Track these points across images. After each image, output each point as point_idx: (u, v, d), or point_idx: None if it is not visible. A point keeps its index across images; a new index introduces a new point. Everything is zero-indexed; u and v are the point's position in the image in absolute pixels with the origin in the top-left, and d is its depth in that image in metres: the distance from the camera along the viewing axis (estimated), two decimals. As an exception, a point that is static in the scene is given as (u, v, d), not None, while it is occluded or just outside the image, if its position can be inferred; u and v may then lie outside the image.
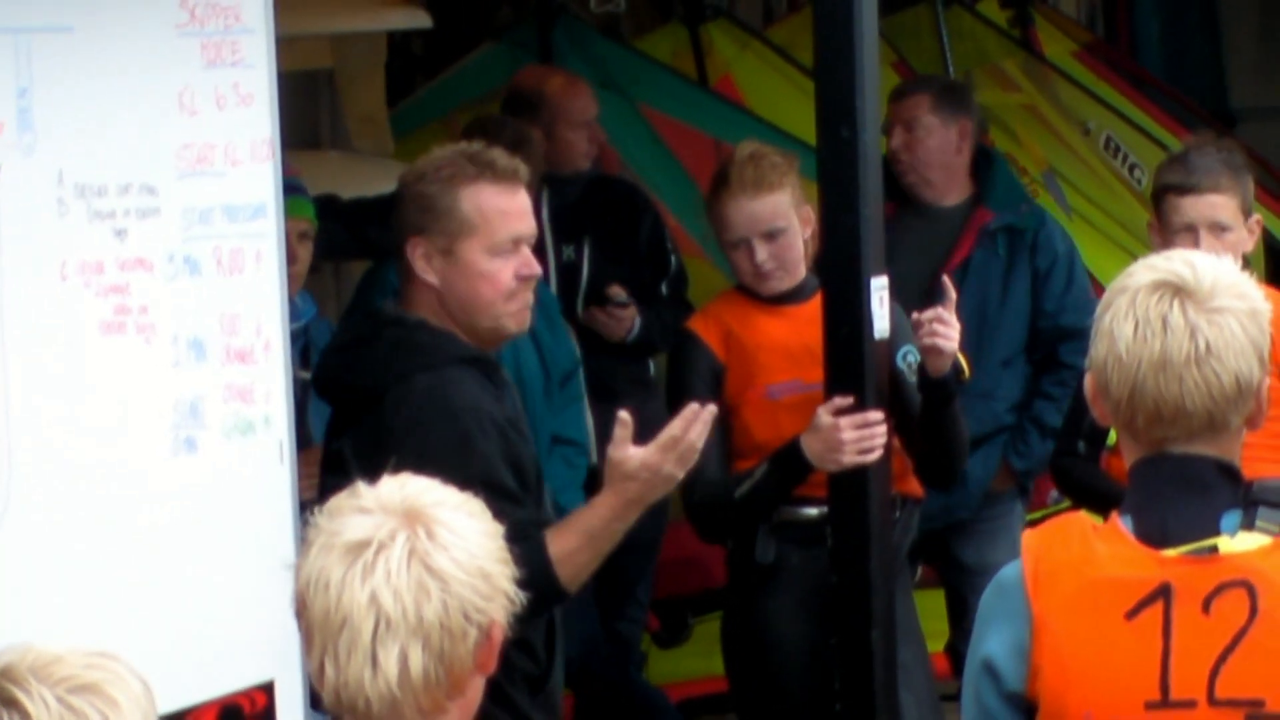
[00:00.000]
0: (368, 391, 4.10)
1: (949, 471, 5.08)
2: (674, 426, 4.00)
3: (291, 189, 4.64)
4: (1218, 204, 4.88)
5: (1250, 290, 2.80)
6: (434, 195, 4.14)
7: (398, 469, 3.88)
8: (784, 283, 5.03)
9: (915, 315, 4.87)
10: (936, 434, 4.95)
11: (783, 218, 4.97)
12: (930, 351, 4.84)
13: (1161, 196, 4.96)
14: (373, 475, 3.85)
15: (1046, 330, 5.98)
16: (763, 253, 5.00)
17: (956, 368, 4.90)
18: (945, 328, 4.82)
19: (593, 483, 5.92)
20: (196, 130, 3.99)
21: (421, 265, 4.13)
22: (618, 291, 6.30)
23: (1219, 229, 4.89)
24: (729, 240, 5.04)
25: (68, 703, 2.65)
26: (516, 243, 4.13)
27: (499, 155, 4.16)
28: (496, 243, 4.10)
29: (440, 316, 4.13)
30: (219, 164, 4.03)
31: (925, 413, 4.91)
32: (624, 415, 4.04)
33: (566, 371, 5.88)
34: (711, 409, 4.05)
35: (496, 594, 2.46)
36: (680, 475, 4.03)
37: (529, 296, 4.15)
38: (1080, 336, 5.13)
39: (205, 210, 4.00)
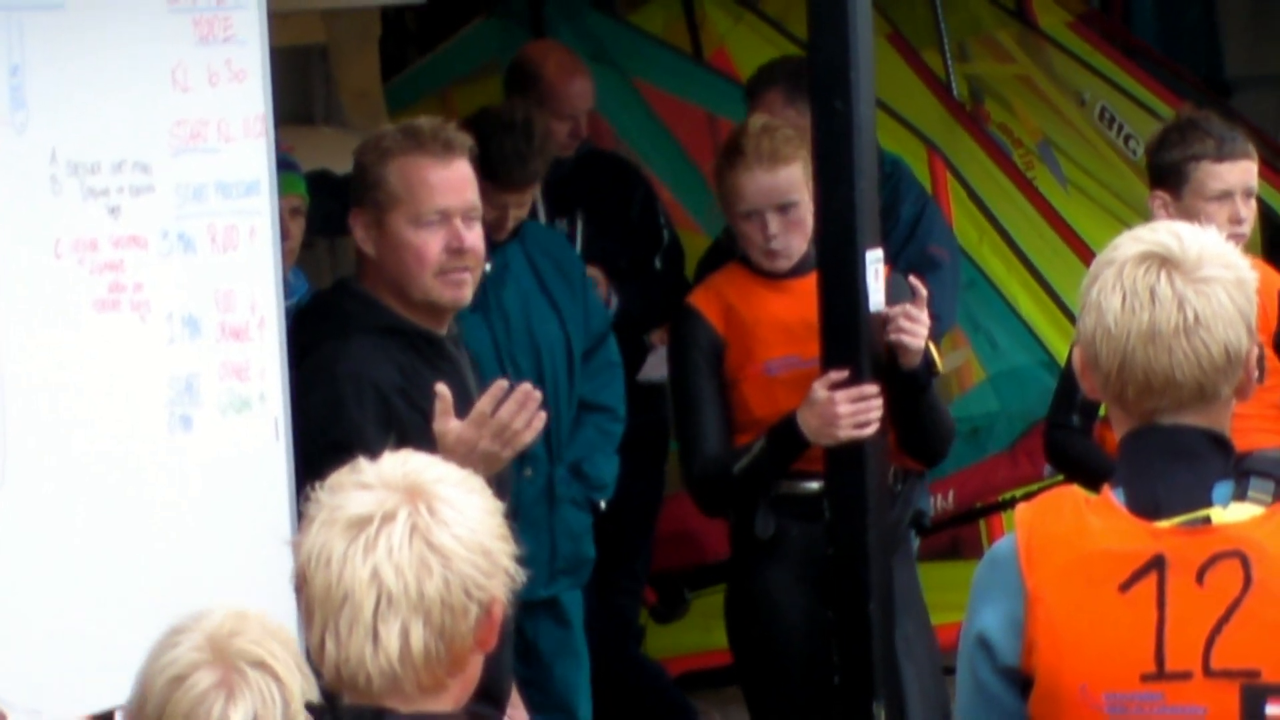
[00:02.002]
0: (296, 356, 4.16)
1: (930, 454, 5.10)
2: (482, 402, 3.98)
3: (283, 165, 4.65)
4: (1249, 169, 5.03)
5: (1236, 260, 2.80)
6: (368, 167, 4.21)
7: (298, 431, 3.97)
8: (792, 259, 5.02)
9: (884, 310, 4.87)
10: (912, 422, 4.97)
11: (796, 191, 4.97)
12: (897, 347, 4.84)
13: (1188, 166, 5.01)
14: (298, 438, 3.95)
15: None
16: (775, 224, 4.99)
17: (928, 360, 4.90)
18: (912, 324, 4.83)
19: (624, 450, 5.95)
20: (189, 107, 3.99)
21: (361, 236, 4.22)
22: (586, 274, 6.29)
23: (1248, 193, 5.02)
24: (741, 212, 5.03)
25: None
26: (445, 215, 4.15)
27: (433, 128, 4.19)
28: (421, 214, 4.15)
29: (383, 287, 4.18)
30: (212, 140, 4.03)
31: (900, 402, 4.92)
32: (440, 388, 4.02)
33: (596, 335, 5.87)
34: (527, 388, 4.00)
35: (497, 571, 2.47)
36: (506, 455, 3.98)
37: (467, 272, 4.17)
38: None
39: (199, 187, 4.01)
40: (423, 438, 4.00)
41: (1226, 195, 4.99)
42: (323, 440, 3.97)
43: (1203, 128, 5.05)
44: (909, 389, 4.90)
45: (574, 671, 5.81)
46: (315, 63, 7.35)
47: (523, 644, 5.66)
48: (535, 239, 5.71)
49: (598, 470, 5.81)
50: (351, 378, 4.10)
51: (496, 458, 3.97)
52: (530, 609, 5.62)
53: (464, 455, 3.92)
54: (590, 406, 5.81)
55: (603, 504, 5.86)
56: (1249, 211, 5.03)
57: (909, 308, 4.85)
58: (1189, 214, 4.87)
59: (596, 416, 5.82)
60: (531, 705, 5.72)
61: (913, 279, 4.97)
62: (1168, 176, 5.06)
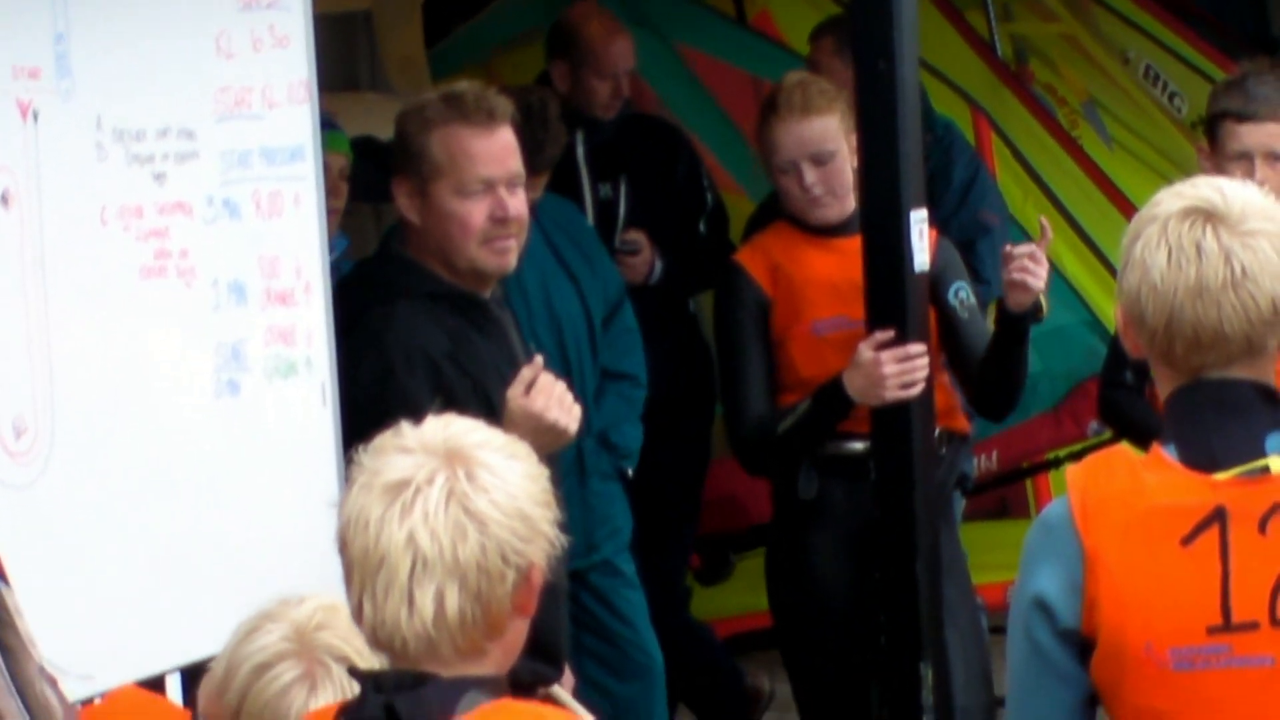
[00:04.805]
0: (342, 325, 4.15)
1: (1005, 405, 5.09)
2: (526, 371, 3.95)
3: (325, 125, 4.63)
4: (1275, 133, 4.89)
5: (1278, 213, 2.77)
6: (411, 136, 4.21)
7: (344, 400, 3.96)
8: (833, 210, 4.99)
9: (1008, 248, 4.87)
10: (1000, 367, 4.94)
11: (831, 140, 4.94)
12: (1016, 287, 4.83)
13: (1217, 122, 4.94)
14: (344, 413, 3.93)
15: None
16: (811, 175, 4.97)
17: (1035, 305, 4.88)
18: (1036, 265, 4.82)
19: (669, 415, 5.95)
20: (234, 73, 3.98)
21: (405, 205, 4.21)
22: (630, 239, 6.28)
23: (1274, 158, 4.89)
24: (778, 164, 5.00)
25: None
26: (489, 184, 4.14)
27: (475, 96, 4.18)
28: (464, 184, 4.14)
29: (428, 253, 4.18)
30: (256, 107, 4.02)
31: (995, 346, 4.90)
32: (525, 370, 3.99)
33: (612, 304, 5.87)
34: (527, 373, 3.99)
35: (536, 536, 2.44)
36: (573, 428, 3.93)
37: (512, 239, 4.17)
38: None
39: (244, 153, 4.00)
40: (471, 402, 3.99)
41: (1245, 156, 4.86)
42: (374, 408, 3.95)
43: (1241, 85, 4.97)
44: (1012, 332, 4.87)
45: (650, 633, 5.84)
46: (360, 29, 7.32)
47: (601, 613, 5.68)
48: (548, 213, 5.69)
49: (625, 439, 5.81)
50: (400, 345, 4.09)
51: (565, 432, 3.94)
52: (604, 576, 5.65)
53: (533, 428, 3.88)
54: (612, 375, 5.81)
55: (630, 471, 5.85)
56: (1275, 176, 4.81)
57: (1035, 249, 4.85)
58: (1220, 170, 4.81)
59: (619, 384, 5.82)
60: (612, 670, 5.75)
61: (1043, 220, 4.93)
62: (1208, 130, 5.02)
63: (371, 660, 2.75)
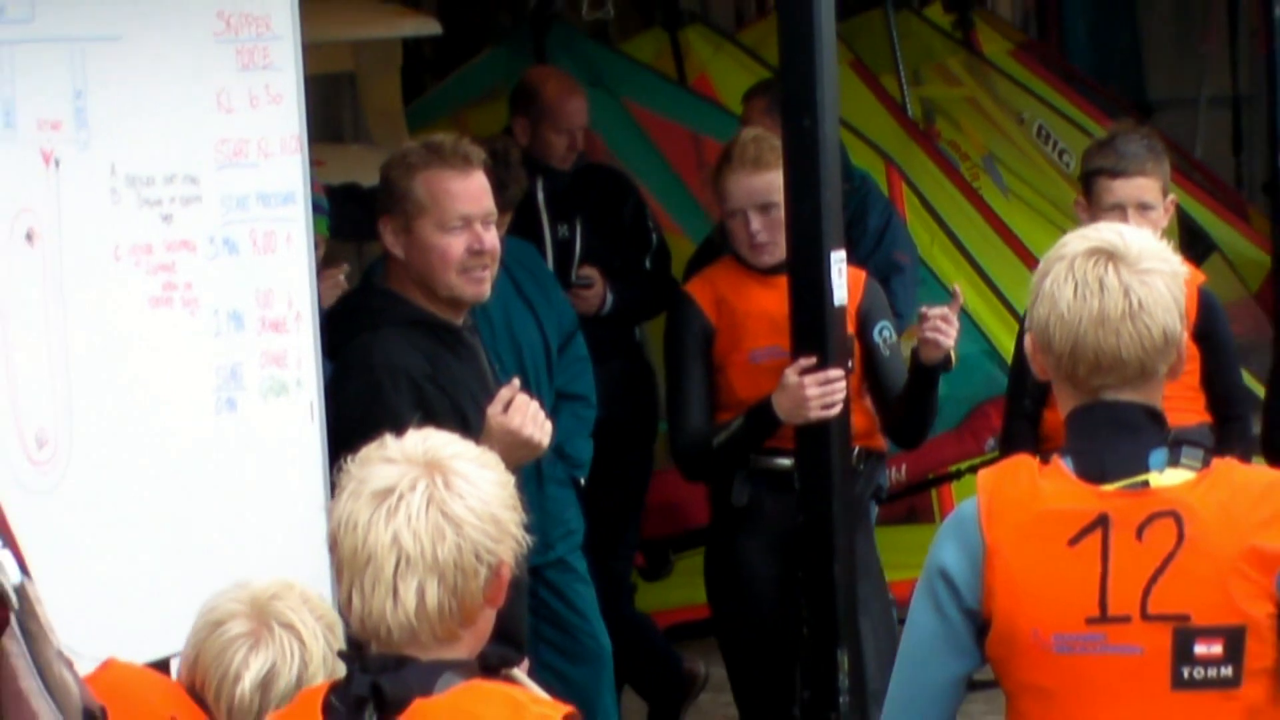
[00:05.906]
0: (330, 350, 4.17)
1: (916, 436, 5.15)
2: (504, 391, 3.96)
3: (315, 207, 4.65)
4: (1143, 186, 4.89)
5: (1170, 255, 2.84)
6: (396, 180, 4.22)
7: (330, 420, 4.00)
8: (775, 255, 5.04)
9: (923, 309, 4.91)
10: (913, 407, 5.00)
11: (776, 193, 4.98)
12: (928, 344, 4.87)
13: (1092, 178, 4.96)
14: (331, 428, 3.97)
15: None
16: (757, 222, 5.01)
17: (947, 356, 4.93)
18: (948, 326, 4.86)
19: (617, 431, 5.96)
20: (233, 126, 4.00)
21: (390, 241, 4.22)
22: (584, 274, 6.31)
23: (1144, 208, 4.90)
24: (728, 210, 5.05)
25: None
26: (467, 220, 4.17)
27: (452, 144, 4.22)
28: (445, 220, 4.16)
29: (408, 285, 4.19)
30: (253, 156, 4.03)
31: (908, 389, 4.94)
32: (503, 390, 4.00)
33: (566, 334, 5.90)
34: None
35: (505, 537, 2.47)
36: (546, 443, 3.95)
37: (486, 270, 4.18)
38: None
39: (241, 197, 4.01)
40: (447, 418, 4.00)
41: (1118, 208, 4.84)
42: (362, 422, 3.95)
43: (1112, 144, 4.97)
44: (924, 379, 4.93)
45: (600, 623, 5.85)
46: (345, 89, 7.35)
47: (557, 605, 5.70)
48: (511, 253, 5.71)
49: (577, 451, 5.84)
50: (386, 366, 4.09)
51: (538, 446, 3.96)
52: (559, 572, 5.67)
53: (509, 442, 3.88)
54: (566, 396, 5.84)
55: (582, 481, 5.88)
56: (1145, 223, 4.77)
57: (948, 311, 4.89)
58: (1096, 221, 4.80)
59: (572, 405, 5.85)
60: (566, 656, 5.76)
61: (955, 287, 4.99)
62: (1084, 185, 5.05)
63: (314, 630, 2.92)
